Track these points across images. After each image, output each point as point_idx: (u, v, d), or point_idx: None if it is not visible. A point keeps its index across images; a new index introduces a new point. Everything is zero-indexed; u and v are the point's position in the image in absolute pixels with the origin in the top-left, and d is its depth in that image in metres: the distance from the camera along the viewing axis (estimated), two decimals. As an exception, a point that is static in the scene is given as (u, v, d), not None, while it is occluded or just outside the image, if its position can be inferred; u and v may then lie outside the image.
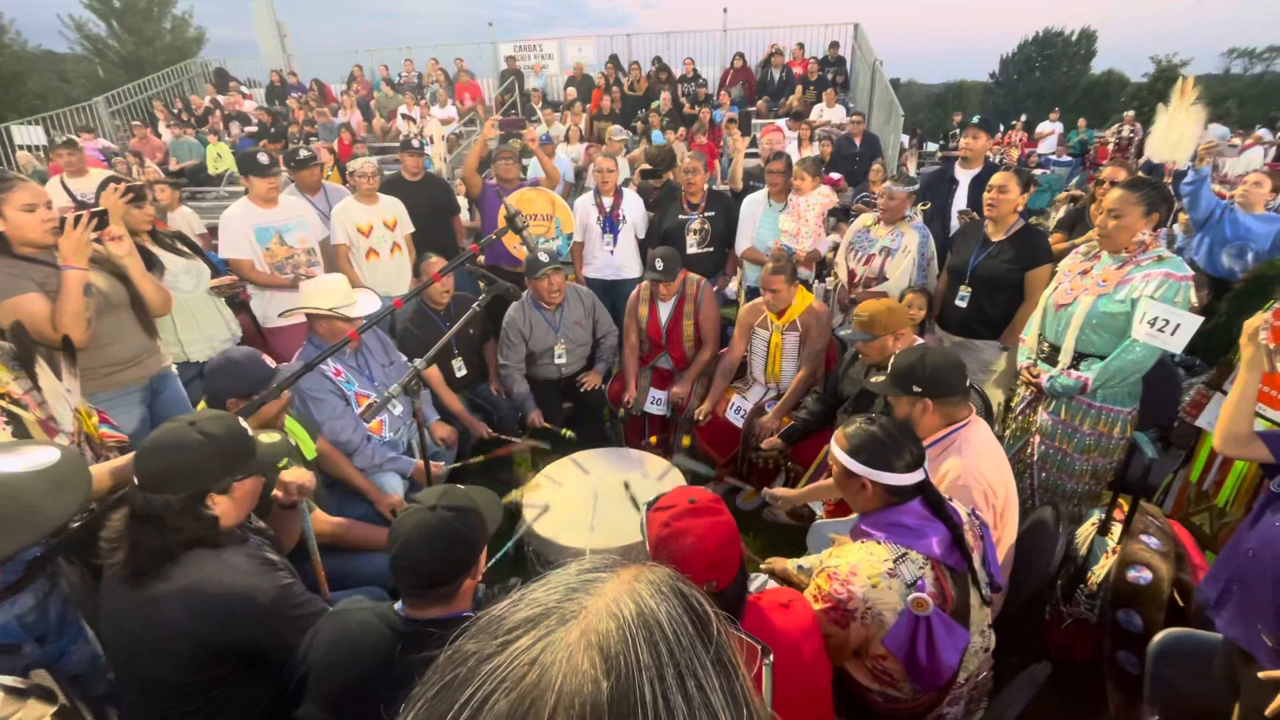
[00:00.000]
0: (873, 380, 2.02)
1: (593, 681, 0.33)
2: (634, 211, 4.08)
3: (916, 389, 1.88)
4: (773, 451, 2.92)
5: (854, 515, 1.70)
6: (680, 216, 3.95)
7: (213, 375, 2.05)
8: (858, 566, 1.43)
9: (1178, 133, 2.79)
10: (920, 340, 2.58)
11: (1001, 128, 12.73)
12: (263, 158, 3.27)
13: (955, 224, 3.60)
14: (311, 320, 2.57)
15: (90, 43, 20.66)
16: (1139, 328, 2.08)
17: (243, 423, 1.49)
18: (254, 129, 9.87)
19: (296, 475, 1.80)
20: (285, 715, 1.31)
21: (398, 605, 1.32)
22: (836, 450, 1.57)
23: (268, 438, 1.59)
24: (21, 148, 9.00)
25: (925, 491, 1.50)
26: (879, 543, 1.46)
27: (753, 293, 3.73)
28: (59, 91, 20.16)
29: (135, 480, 1.35)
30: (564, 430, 3.04)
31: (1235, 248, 3.32)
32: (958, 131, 10.99)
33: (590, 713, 0.32)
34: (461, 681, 0.35)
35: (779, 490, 2.43)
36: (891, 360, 2.00)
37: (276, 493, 1.75)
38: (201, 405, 2.12)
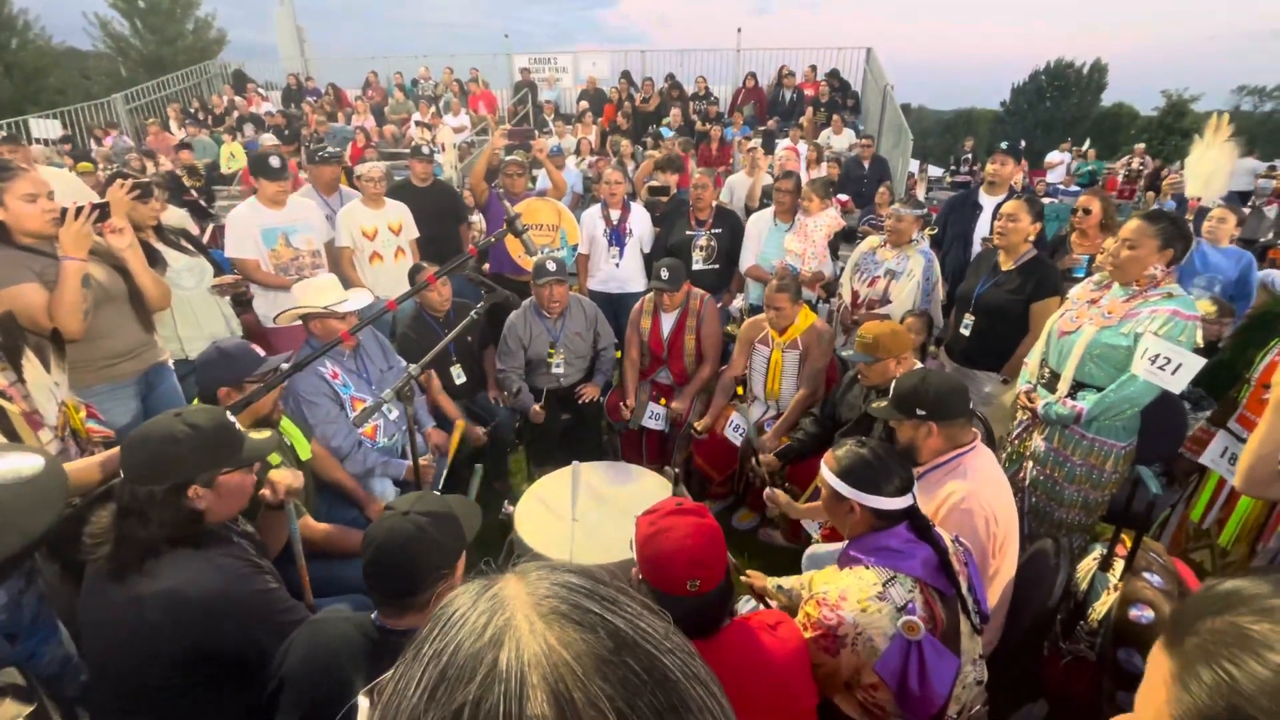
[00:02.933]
0: (875, 406, 2.01)
1: (585, 638, 0.36)
2: (641, 226, 4.07)
3: (920, 412, 1.86)
4: (766, 470, 2.88)
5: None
6: (687, 232, 3.95)
7: (204, 367, 2.04)
8: (847, 591, 1.42)
9: (1209, 168, 2.78)
10: (919, 366, 2.55)
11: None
12: (274, 160, 3.28)
13: (978, 250, 3.58)
14: (306, 322, 2.56)
15: (113, 41, 20.99)
16: (1139, 363, 2.04)
17: (230, 416, 1.48)
18: (267, 133, 9.97)
19: (284, 475, 1.78)
20: None
21: (374, 615, 1.29)
22: (826, 472, 1.58)
23: (258, 435, 1.57)
24: (37, 141, 9.12)
25: (913, 517, 1.51)
26: (867, 567, 1.46)
27: (756, 310, 3.71)
28: (80, 87, 20.44)
29: (122, 473, 1.35)
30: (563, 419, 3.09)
31: (1205, 279, 3.34)
32: (969, 157, 11.01)
33: (611, 653, 0.35)
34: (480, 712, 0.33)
35: (780, 495, 2.38)
36: (893, 384, 1.98)
37: (264, 491, 1.73)
38: (195, 401, 2.11)
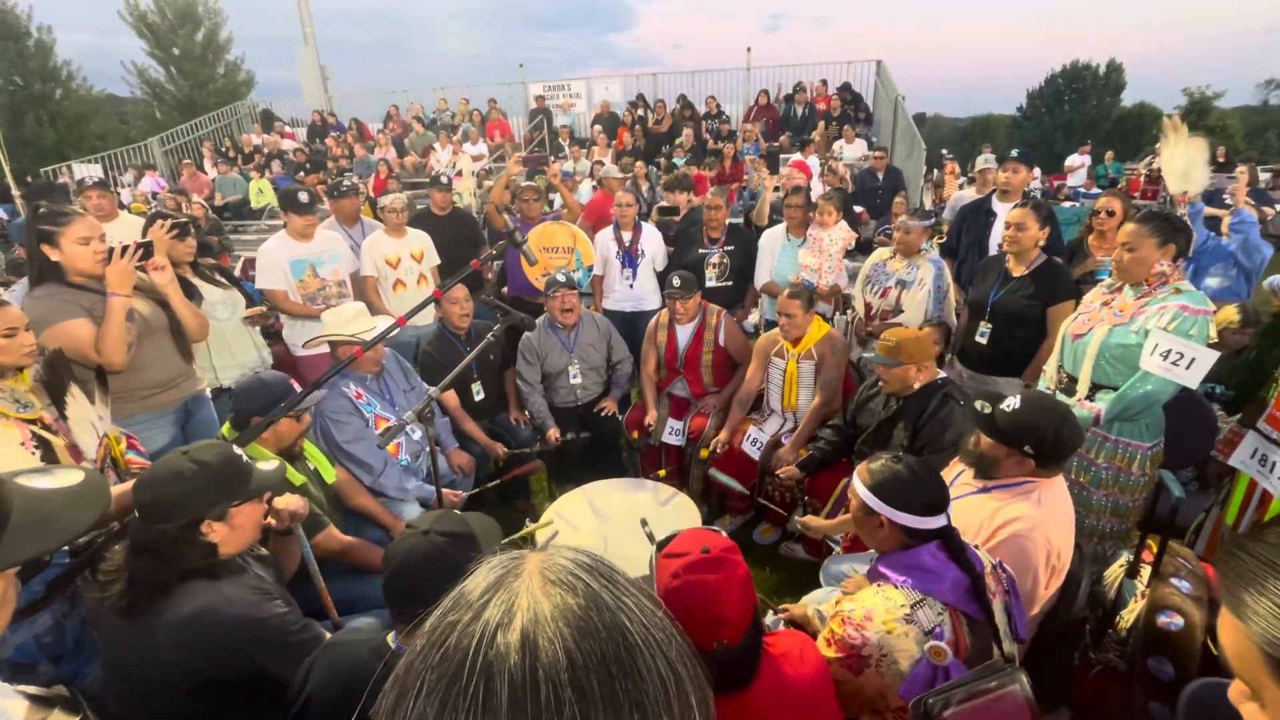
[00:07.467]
0: (978, 405, 1.82)
1: (565, 595, 0.45)
2: (652, 245, 4.15)
3: (1028, 449, 1.71)
4: (790, 482, 2.89)
5: (871, 551, 1.67)
6: (700, 250, 4.00)
7: (240, 395, 2.11)
8: (873, 611, 1.40)
9: (1182, 165, 2.82)
10: (942, 374, 2.54)
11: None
12: (303, 196, 3.42)
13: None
14: (334, 347, 2.67)
15: (150, 87, 22.01)
16: (1149, 360, 2.03)
17: (237, 449, 1.50)
18: (292, 168, 10.34)
19: (289, 501, 1.80)
20: None
21: (390, 635, 1.30)
22: (858, 484, 1.54)
23: (265, 464, 1.60)
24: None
25: (946, 538, 1.45)
26: (896, 587, 1.42)
27: (772, 325, 3.74)
28: (119, 132, 21.44)
29: (136, 512, 1.37)
30: (568, 435, 3.15)
31: (1220, 268, 3.29)
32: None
33: (581, 610, 0.44)
34: (460, 642, 0.43)
35: (811, 519, 2.36)
36: (1014, 405, 1.76)
37: (270, 520, 1.74)
38: (225, 427, 2.19)
